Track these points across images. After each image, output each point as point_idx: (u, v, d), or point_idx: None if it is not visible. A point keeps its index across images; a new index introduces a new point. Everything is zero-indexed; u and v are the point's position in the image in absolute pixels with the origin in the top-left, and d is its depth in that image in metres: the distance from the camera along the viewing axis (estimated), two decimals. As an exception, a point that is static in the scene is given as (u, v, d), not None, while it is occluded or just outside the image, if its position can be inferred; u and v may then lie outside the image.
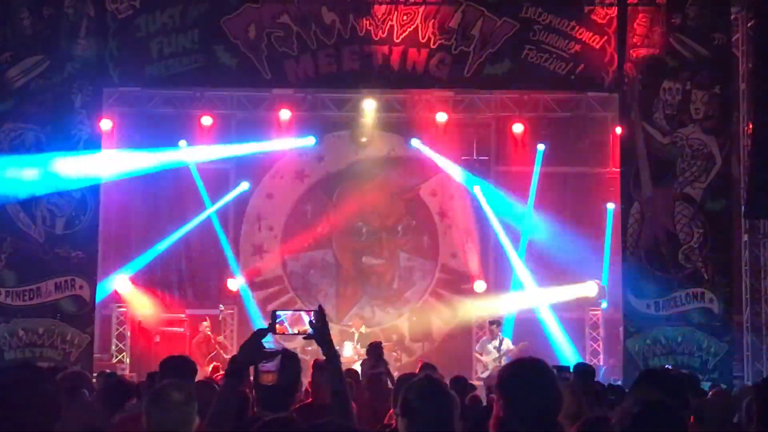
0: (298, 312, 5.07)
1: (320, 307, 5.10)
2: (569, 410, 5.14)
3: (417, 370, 10.73)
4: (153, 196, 22.38)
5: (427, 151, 22.64)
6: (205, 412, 4.93)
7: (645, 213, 17.56)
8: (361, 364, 15.47)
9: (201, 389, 5.96)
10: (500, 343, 19.12)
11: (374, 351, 15.23)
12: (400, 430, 4.72)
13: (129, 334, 21.82)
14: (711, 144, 17.37)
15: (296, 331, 5.02)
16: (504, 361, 18.17)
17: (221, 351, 20.14)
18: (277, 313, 5.02)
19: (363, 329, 21.01)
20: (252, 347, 4.90)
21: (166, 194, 22.42)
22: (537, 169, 22.25)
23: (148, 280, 22.20)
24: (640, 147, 17.61)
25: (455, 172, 22.81)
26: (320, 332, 5.02)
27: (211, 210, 22.28)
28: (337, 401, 5.02)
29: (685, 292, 17.23)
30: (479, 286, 22.61)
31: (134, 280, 21.94)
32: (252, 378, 5.69)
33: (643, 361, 17.02)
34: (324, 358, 5.14)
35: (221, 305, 21.93)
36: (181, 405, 5.17)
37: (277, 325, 5.01)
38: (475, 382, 16.85)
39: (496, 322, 19.78)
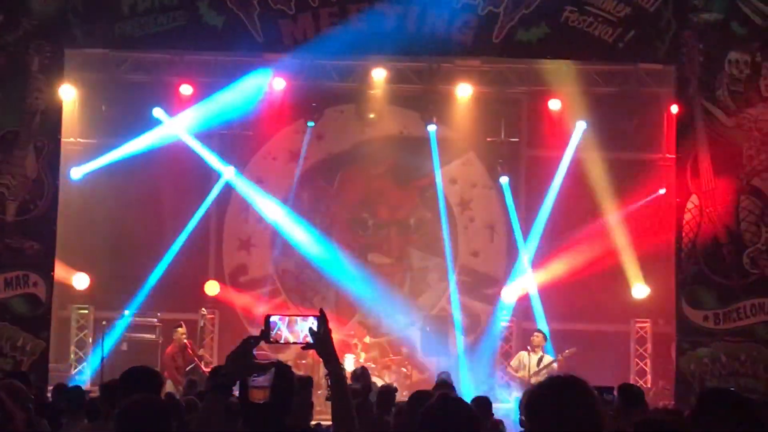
0: (295, 317, 5.04)
1: (322, 311, 5.08)
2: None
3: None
4: (117, 173, 22.28)
5: (446, 132, 22.62)
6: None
7: (704, 208, 17.52)
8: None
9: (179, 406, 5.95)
10: (540, 359, 19.09)
11: (362, 378, 15.03)
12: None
13: (90, 340, 21.82)
14: (784, 127, 17.35)
15: (293, 341, 5.00)
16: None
17: (201, 365, 20.03)
18: (272, 318, 5.00)
19: (367, 340, 21.03)
20: (241, 358, 4.88)
21: (136, 174, 22.33)
22: (571, 150, 22.22)
23: (114, 278, 22.20)
24: (699, 129, 17.58)
25: (479, 156, 22.80)
26: (322, 342, 5.00)
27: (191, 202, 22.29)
28: (341, 421, 5.00)
29: (750, 303, 17.20)
30: (508, 294, 22.55)
31: (97, 277, 21.96)
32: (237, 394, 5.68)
33: (699, 382, 16.99)
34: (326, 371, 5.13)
35: (203, 309, 21.91)
36: (155, 425, 5.16)
37: (271, 333, 4.99)
38: (498, 405, 16.88)
39: (540, 333, 19.70)
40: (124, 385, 6.90)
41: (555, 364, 18.97)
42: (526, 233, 22.79)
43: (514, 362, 19.78)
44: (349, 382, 15.43)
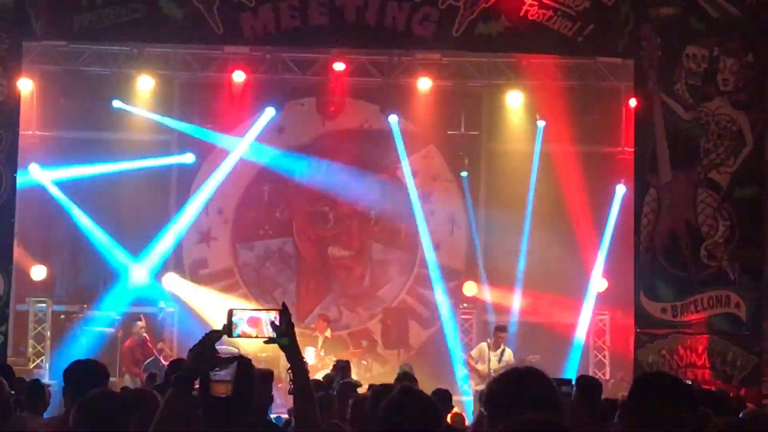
0: (258, 312, 5.05)
1: (285, 306, 5.09)
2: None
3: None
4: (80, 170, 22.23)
5: (406, 125, 22.66)
6: (144, 426, 4.92)
7: (662, 201, 17.62)
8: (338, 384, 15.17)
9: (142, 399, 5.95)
10: (502, 354, 19.16)
11: (342, 369, 15.04)
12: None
13: (49, 334, 21.71)
14: (741, 121, 17.43)
15: (256, 335, 5.01)
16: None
17: (161, 359, 19.95)
18: (234, 312, 5.00)
19: (328, 333, 21.03)
20: (204, 352, 4.88)
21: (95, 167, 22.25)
22: (537, 149, 22.35)
23: (70, 269, 22.10)
24: (657, 123, 17.67)
25: (439, 149, 22.85)
26: (284, 335, 5.01)
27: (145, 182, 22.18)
28: (303, 415, 5.02)
29: (707, 295, 17.31)
30: (469, 288, 22.66)
31: (56, 270, 21.86)
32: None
33: (658, 375, 17.05)
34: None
35: (162, 302, 21.82)
36: (115, 419, 5.16)
37: (234, 327, 4.99)
38: (459, 397, 16.95)
39: (502, 329, 19.82)
40: (66, 379, 6.82)
41: (514, 361, 19.00)
42: (486, 227, 22.88)
43: (474, 352, 19.81)
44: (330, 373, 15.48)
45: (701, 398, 7.24)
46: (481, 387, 18.34)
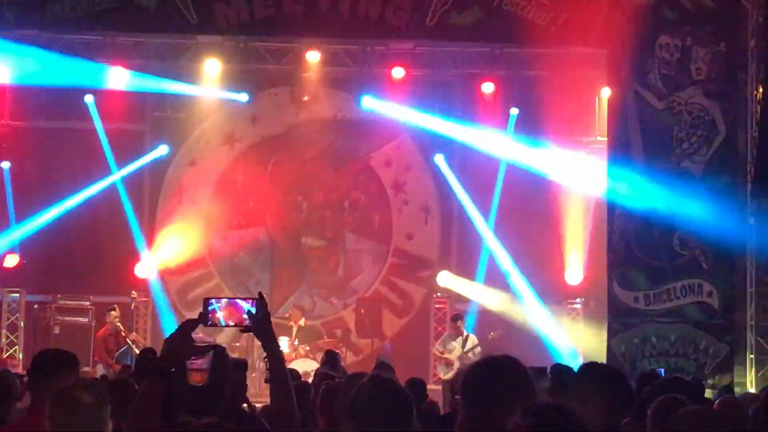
0: (234, 300, 5.05)
1: (261, 294, 5.10)
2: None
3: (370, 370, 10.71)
4: (48, 156, 22.10)
5: (380, 114, 22.65)
6: (120, 415, 4.92)
7: (635, 190, 17.67)
8: (315, 373, 15.09)
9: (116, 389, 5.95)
10: (465, 340, 19.26)
11: (331, 359, 14.97)
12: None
13: (23, 324, 21.65)
14: (714, 110, 17.50)
15: (232, 323, 5.01)
16: (471, 359, 18.32)
17: (134, 349, 19.89)
18: (210, 301, 5.00)
19: (302, 322, 21.04)
20: (180, 341, 4.87)
21: (65, 154, 22.12)
22: (508, 135, 22.42)
23: (42, 259, 22.02)
24: (630, 112, 17.73)
25: (413, 138, 22.86)
26: (260, 324, 5.02)
27: (117, 176, 22.13)
28: (279, 405, 5.02)
29: (680, 284, 17.38)
30: (443, 278, 22.71)
31: (26, 258, 21.79)
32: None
33: (630, 363, 17.18)
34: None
35: (133, 292, 21.75)
36: (92, 408, 5.15)
37: (209, 316, 4.99)
38: (432, 386, 16.99)
39: (458, 317, 19.94)
40: (34, 368, 6.78)
41: (477, 349, 19.07)
42: (459, 216, 22.93)
43: (439, 346, 19.85)
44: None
45: (675, 386, 7.28)
46: (449, 376, 18.44)
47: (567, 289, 22.39)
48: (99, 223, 22.35)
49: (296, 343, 20.29)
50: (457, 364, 18.79)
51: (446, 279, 22.76)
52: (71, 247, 22.19)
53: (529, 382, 4.46)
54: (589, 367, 5.98)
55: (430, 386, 16.10)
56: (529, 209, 22.13)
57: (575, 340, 22.03)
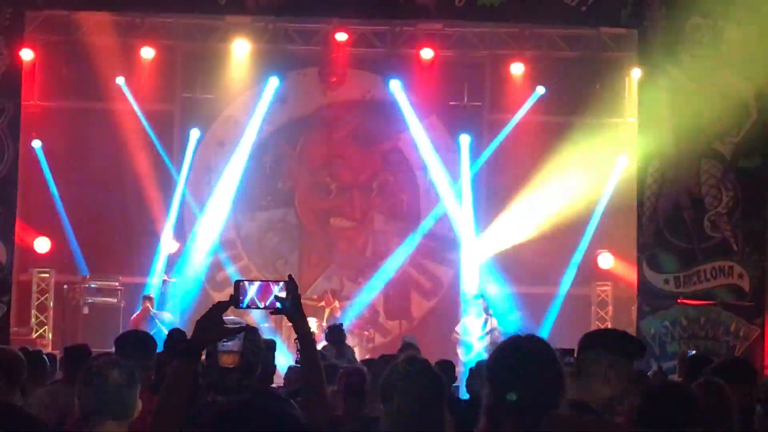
0: (265, 282, 5.06)
1: (291, 277, 5.09)
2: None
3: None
4: (77, 137, 22.15)
5: (407, 96, 22.59)
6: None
7: (665, 172, 17.58)
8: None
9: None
10: (485, 321, 19.15)
11: (335, 336, 14.89)
12: (383, 419, 4.73)
13: (52, 304, 21.75)
14: (745, 92, 17.38)
15: (262, 306, 5.02)
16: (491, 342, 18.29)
17: (164, 331, 19.87)
18: (242, 283, 5.01)
19: (336, 304, 21.08)
20: (211, 323, 4.87)
21: (94, 135, 22.16)
22: (523, 112, 22.40)
23: (75, 241, 22.11)
24: (661, 94, 17.61)
25: (441, 119, 22.81)
26: (291, 306, 5.01)
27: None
28: (310, 386, 5.02)
29: (710, 266, 17.30)
30: (469, 257, 22.66)
31: (57, 240, 21.87)
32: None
33: (660, 345, 17.11)
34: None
35: (164, 274, 21.81)
36: (121, 386, 5.16)
37: (241, 298, 5.00)
38: (461, 368, 16.98)
39: (476, 297, 19.78)
40: (119, 349, 6.95)
41: (498, 331, 18.96)
42: (486, 197, 22.85)
43: (458, 328, 19.76)
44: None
45: (716, 369, 7.25)
46: (468, 358, 18.38)
47: (598, 272, 22.31)
48: (128, 203, 22.39)
49: (324, 324, 20.34)
50: (476, 346, 18.74)
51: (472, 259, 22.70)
52: (101, 228, 22.26)
53: (554, 361, 4.41)
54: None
55: (458, 368, 16.13)
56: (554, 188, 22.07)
57: (604, 322, 22.02)
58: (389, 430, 4.68)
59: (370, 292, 22.90)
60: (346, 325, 19.89)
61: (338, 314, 20.82)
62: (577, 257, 22.20)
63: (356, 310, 22.33)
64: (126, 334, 7.22)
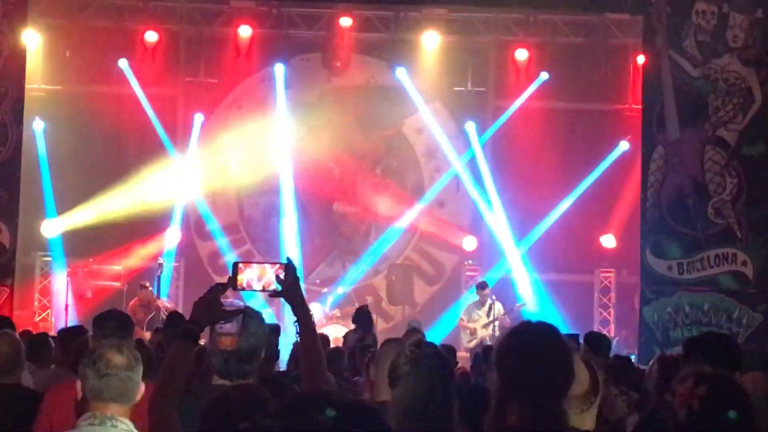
0: (263, 265, 5.02)
1: (289, 259, 5.07)
2: (582, 389, 5.04)
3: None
4: (82, 120, 22.09)
5: (411, 82, 22.55)
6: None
7: (669, 159, 17.53)
8: (345, 336, 14.92)
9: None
10: (489, 309, 19.14)
11: (364, 319, 14.73)
12: (391, 402, 4.69)
13: (55, 287, 21.72)
14: (750, 78, 17.30)
15: (260, 288, 4.99)
16: (496, 329, 18.29)
17: (163, 315, 19.83)
18: (240, 266, 4.98)
19: (340, 290, 21.09)
20: (209, 305, 4.84)
21: (98, 119, 22.09)
22: (524, 96, 22.41)
23: (76, 224, 22.09)
24: (665, 80, 17.55)
25: (445, 105, 22.77)
26: (290, 289, 4.98)
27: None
28: (310, 370, 4.99)
29: (714, 253, 17.25)
30: (469, 242, 22.65)
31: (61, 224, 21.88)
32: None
33: (663, 332, 17.08)
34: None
35: (160, 258, 21.69)
36: (124, 369, 5.13)
37: (239, 280, 4.97)
38: (462, 353, 16.97)
39: (482, 285, 19.77)
40: (99, 329, 6.94)
41: (503, 318, 18.97)
42: (490, 183, 22.83)
43: (463, 314, 19.73)
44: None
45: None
46: (473, 344, 18.36)
47: (602, 253, 22.27)
48: (131, 187, 22.34)
49: (327, 309, 20.33)
50: (481, 333, 18.74)
51: (472, 243, 22.66)
52: (104, 212, 22.20)
53: (564, 347, 4.36)
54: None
55: (460, 353, 16.11)
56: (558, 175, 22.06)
57: (607, 309, 22.03)
58: (397, 413, 4.65)
59: (373, 277, 22.87)
60: (348, 308, 19.91)
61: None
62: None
63: (359, 295, 22.30)
64: (105, 313, 7.18)
